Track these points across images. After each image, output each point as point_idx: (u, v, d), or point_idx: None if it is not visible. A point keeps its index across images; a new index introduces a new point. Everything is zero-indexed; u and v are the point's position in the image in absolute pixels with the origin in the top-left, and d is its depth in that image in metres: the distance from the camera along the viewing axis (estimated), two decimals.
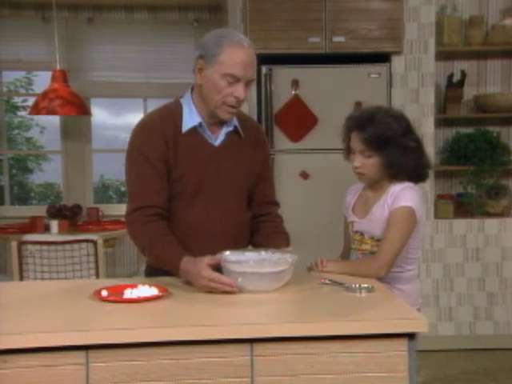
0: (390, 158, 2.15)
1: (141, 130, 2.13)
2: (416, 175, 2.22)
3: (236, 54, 2.00)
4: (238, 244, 2.12)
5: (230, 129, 2.16)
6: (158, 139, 2.07)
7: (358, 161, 2.20)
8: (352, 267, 2.15)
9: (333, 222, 4.06)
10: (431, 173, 2.27)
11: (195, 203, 2.12)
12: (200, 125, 2.12)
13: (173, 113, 2.13)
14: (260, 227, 2.25)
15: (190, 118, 2.11)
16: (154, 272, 2.17)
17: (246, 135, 2.20)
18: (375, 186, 2.25)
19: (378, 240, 2.18)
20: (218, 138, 2.15)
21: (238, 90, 2.02)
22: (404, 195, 2.15)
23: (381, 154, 2.15)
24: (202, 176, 2.11)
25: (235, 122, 2.17)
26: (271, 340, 1.55)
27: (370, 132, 2.15)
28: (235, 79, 2.01)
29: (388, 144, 2.14)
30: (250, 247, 2.22)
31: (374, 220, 2.20)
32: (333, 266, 2.15)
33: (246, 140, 2.20)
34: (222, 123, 2.14)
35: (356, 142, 2.19)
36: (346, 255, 2.36)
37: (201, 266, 1.89)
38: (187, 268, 1.94)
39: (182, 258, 1.96)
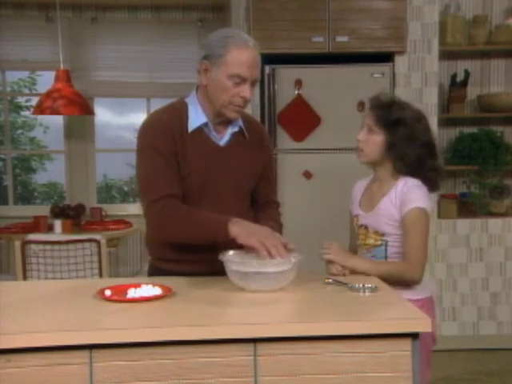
0: (394, 140, 2.14)
1: (150, 127, 2.11)
2: (421, 175, 2.18)
3: (242, 55, 1.99)
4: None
5: (236, 129, 2.16)
6: (167, 135, 2.05)
7: (363, 134, 2.21)
8: (385, 267, 2.12)
9: (335, 222, 4.08)
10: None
11: (200, 203, 2.10)
12: (206, 125, 2.11)
13: (178, 112, 2.12)
14: (257, 214, 2.26)
15: (196, 118, 2.11)
16: (156, 272, 2.17)
17: (251, 136, 2.20)
18: (381, 179, 2.24)
19: (382, 234, 2.19)
20: (224, 138, 2.14)
21: (245, 91, 2.02)
22: (414, 195, 2.12)
23: (386, 134, 2.15)
24: (207, 176, 2.10)
25: (240, 122, 2.17)
26: (274, 340, 1.55)
27: (383, 110, 2.17)
28: (241, 80, 2.01)
29: (396, 126, 2.14)
30: None
31: (379, 214, 2.20)
32: (360, 263, 2.12)
33: (250, 141, 2.20)
34: (227, 123, 2.14)
35: (367, 117, 2.21)
36: (352, 251, 2.36)
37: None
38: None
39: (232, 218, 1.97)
